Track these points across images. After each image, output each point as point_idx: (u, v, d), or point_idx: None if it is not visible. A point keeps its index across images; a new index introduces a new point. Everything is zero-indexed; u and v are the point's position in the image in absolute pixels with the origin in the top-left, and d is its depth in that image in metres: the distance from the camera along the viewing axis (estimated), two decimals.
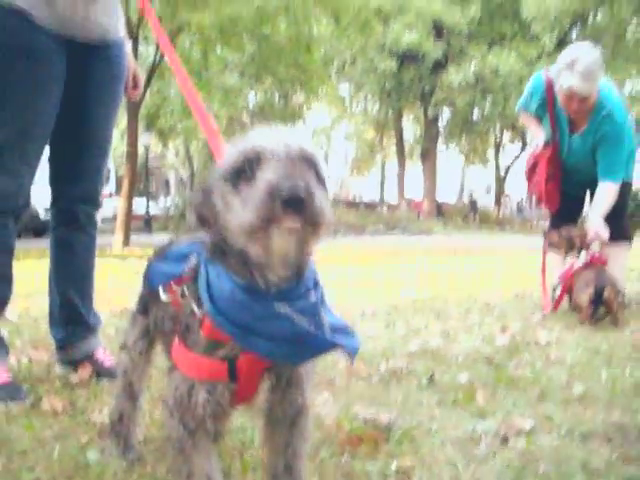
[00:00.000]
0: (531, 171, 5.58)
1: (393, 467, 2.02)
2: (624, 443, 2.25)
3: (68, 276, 3.19)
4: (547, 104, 5.35)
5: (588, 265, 4.95)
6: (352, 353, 1.43)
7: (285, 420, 1.58)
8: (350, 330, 1.48)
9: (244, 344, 1.37)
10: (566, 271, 5.12)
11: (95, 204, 3.22)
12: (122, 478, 1.93)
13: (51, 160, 3.15)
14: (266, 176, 1.21)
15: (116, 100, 3.21)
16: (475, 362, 3.50)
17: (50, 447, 2.18)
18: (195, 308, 1.44)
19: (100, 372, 3.10)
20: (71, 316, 3.19)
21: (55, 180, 3.16)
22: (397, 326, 4.56)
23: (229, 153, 1.35)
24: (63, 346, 3.21)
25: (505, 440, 2.29)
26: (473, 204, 42.85)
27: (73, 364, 3.18)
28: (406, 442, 2.25)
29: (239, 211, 1.24)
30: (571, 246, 5.19)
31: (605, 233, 4.95)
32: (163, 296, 1.58)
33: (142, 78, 3.49)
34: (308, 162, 1.29)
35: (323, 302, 1.45)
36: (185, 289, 1.52)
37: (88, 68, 3.01)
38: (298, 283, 1.38)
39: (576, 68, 4.85)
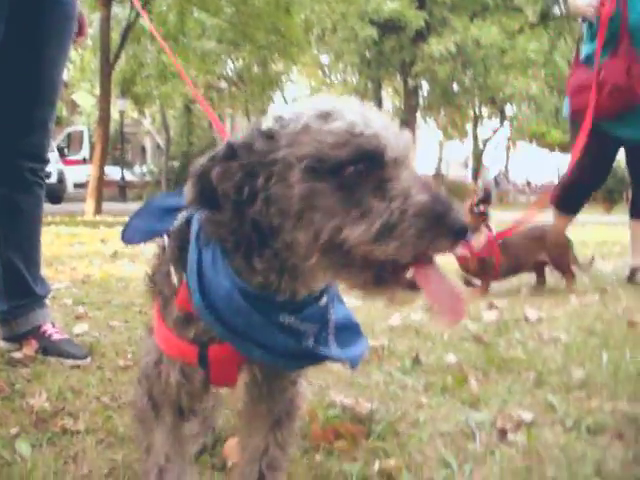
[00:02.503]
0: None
1: (376, 468, 1.72)
2: (638, 440, 1.97)
3: (11, 240, 2.84)
4: None
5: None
6: (354, 363, 1.24)
7: (268, 418, 1.36)
8: (357, 329, 1.30)
9: (236, 347, 1.17)
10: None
11: (42, 160, 2.86)
12: None
13: None
14: (415, 195, 0.97)
15: (67, 43, 2.85)
16: (462, 341, 3.21)
17: None
18: (172, 272, 1.21)
19: (47, 348, 2.78)
20: (15, 286, 2.85)
21: None
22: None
23: (313, 129, 1.02)
24: (6, 319, 2.87)
25: (503, 434, 1.99)
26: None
27: (17, 339, 2.85)
28: (390, 437, 1.95)
29: (364, 226, 0.96)
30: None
31: None
32: (146, 253, 1.26)
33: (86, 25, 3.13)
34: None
35: (334, 296, 1.24)
36: (167, 245, 1.26)
37: (39, 6, 2.65)
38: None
39: None
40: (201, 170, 1.08)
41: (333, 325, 1.21)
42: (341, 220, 0.97)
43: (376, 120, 1.03)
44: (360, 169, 0.98)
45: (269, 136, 1.05)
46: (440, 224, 0.94)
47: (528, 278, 5.60)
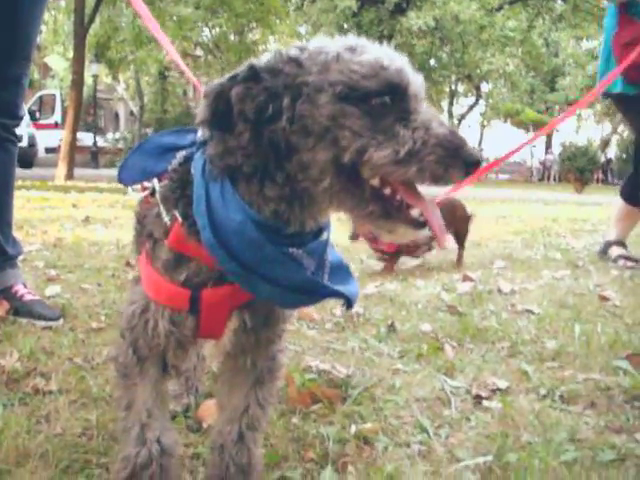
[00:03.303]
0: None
1: (352, 431, 1.72)
2: (610, 408, 1.99)
3: None
4: None
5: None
6: (352, 300, 1.23)
7: (251, 374, 1.35)
8: (349, 270, 1.31)
9: (243, 285, 1.15)
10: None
11: (15, 117, 2.78)
12: (24, 440, 1.58)
13: None
14: (436, 127, 1.05)
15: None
16: (437, 310, 3.22)
17: None
18: (163, 212, 1.18)
19: (18, 308, 2.72)
20: None
21: None
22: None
23: (344, 59, 1.07)
24: None
25: (478, 401, 2.01)
26: None
27: None
28: (366, 401, 1.95)
29: (389, 150, 1.03)
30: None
31: None
32: (132, 193, 1.27)
33: None
34: None
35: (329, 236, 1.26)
36: (157, 188, 1.23)
37: None
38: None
39: None
40: (219, 89, 1.07)
41: (328, 264, 1.21)
42: (367, 141, 1.03)
43: (398, 58, 1.11)
44: (386, 99, 1.05)
45: (298, 63, 1.08)
46: (457, 155, 1.02)
47: (502, 250, 5.65)
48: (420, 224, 1.09)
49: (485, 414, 1.91)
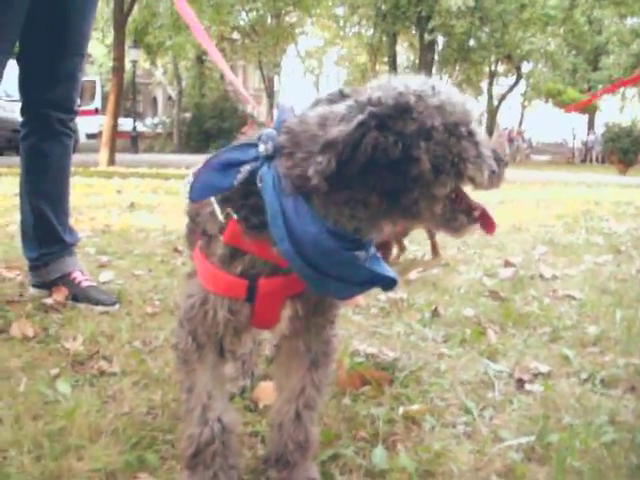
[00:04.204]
0: None
1: (400, 412, 1.81)
2: None
3: (41, 189, 2.91)
4: None
5: None
6: (394, 284, 1.31)
7: (306, 357, 1.44)
8: (381, 260, 1.36)
9: (315, 286, 1.26)
10: None
11: (70, 111, 2.91)
12: (95, 418, 1.70)
13: (21, 59, 2.81)
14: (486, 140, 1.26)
15: None
16: (479, 295, 3.28)
17: (16, 379, 1.96)
18: (217, 210, 1.28)
19: (76, 294, 2.86)
20: (45, 233, 2.92)
21: (26, 83, 2.84)
22: (393, 253, 4.31)
23: (443, 102, 1.20)
24: (37, 266, 2.95)
25: (521, 384, 2.08)
26: None
27: (48, 286, 2.93)
28: (412, 384, 2.04)
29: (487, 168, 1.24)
30: None
31: None
32: (217, 212, 1.29)
33: None
34: None
35: None
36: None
37: None
38: None
39: None
40: (349, 140, 1.11)
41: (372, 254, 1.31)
42: (481, 165, 1.24)
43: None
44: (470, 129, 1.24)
45: (411, 108, 1.17)
46: (500, 164, 1.28)
47: (543, 235, 5.66)
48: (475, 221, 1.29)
49: (527, 397, 1.98)
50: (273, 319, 1.36)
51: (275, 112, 1.34)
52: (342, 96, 1.24)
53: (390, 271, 1.29)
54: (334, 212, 1.19)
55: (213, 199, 1.29)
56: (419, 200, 1.19)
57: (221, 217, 1.27)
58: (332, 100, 1.25)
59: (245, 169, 1.24)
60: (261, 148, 1.23)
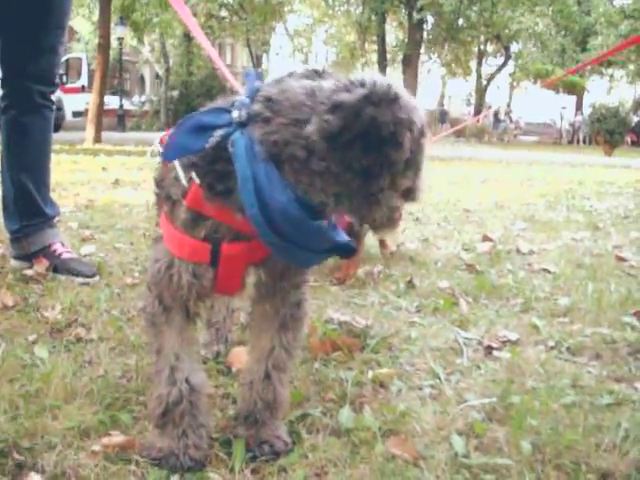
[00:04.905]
0: None
1: (369, 375, 1.87)
2: (614, 360, 2.11)
3: (22, 162, 2.93)
4: None
5: None
6: (353, 248, 1.34)
7: (275, 320, 1.48)
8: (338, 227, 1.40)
9: (281, 254, 1.30)
10: None
11: (51, 84, 2.93)
12: (71, 380, 1.74)
13: (2, 32, 2.81)
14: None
15: None
16: (455, 269, 3.34)
17: None
18: (181, 174, 1.30)
19: (57, 266, 2.89)
20: (26, 206, 2.95)
21: (6, 56, 2.85)
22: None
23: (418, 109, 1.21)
24: (17, 238, 2.98)
25: (489, 351, 2.14)
26: (443, 114, 41.69)
27: (28, 258, 2.96)
28: (383, 350, 2.09)
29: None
30: None
31: None
32: (181, 176, 1.31)
33: None
34: None
35: None
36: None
37: None
38: None
39: None
40: (356, 107, 1.13)
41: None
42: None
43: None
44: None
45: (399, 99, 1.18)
46: None
47: (524, 212, 5.72)
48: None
49: (494, 363, 2.04)
50: (235, 285, 1.39)
51: (244, 79, 1.35)
52: (317, 74, 1.25)
53: (347, 238, 1.33)
54: (305, 182, 1.19)
55: (177, 163, 1.31)
56: (385, 189, 1.20)
57: (184, 181, 1.29)
58: (307, 76, 1.25)
59: (218, 133, 1.25)
60: (235, 114, 1.24)
